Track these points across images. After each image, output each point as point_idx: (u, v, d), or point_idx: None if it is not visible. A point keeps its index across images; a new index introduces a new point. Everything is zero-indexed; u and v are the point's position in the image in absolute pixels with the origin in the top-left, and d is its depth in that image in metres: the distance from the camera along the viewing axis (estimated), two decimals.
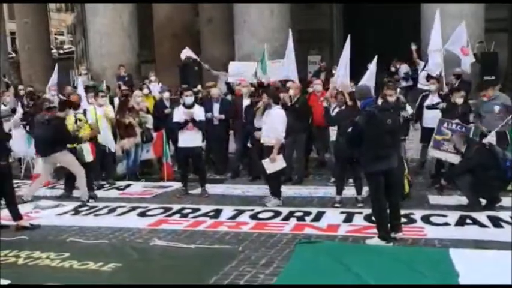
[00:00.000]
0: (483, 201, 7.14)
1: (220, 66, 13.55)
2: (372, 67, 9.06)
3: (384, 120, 5.78)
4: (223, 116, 9.87)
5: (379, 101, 7.56)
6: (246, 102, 9.68)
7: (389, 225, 5.89)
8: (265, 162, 7.55)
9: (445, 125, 8.24)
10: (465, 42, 10.24)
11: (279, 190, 7.79)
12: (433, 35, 9.99)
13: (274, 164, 7.56)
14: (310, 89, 10.04)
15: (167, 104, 10.35)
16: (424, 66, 11.08)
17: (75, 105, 8.69)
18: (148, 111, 10.34)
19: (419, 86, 10.89)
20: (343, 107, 8.00)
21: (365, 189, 7.43)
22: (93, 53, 16.39)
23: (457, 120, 8.20)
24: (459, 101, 8.45)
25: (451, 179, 7.51)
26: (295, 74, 10.55)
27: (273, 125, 7.61)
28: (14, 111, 10.72)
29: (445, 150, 8.17)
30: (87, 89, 10.65)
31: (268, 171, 7.62)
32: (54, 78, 12.86)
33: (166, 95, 10.56)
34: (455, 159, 7.87)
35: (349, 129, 6.05)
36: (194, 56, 13.02)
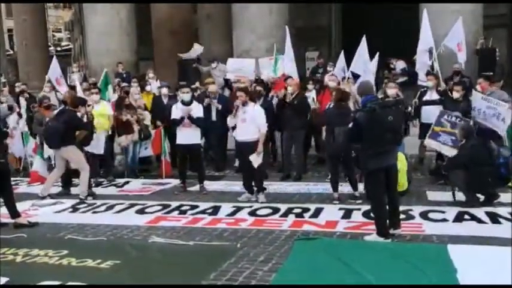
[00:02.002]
0: (481, 198, 7.15)
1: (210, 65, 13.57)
2: (373, 61, 9.17)
3: (385, 117, 5.76)
4: (220, 106, 9.86)
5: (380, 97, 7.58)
6: None
7: (387, 221, 5.90)
8: (253, 157, 7.57)
9: (445, 116, 8.24)
10: (461, 38, 10.27)
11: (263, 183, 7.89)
12: (422, 34, 10.04)
13: (259, 158, 7.60)
14: (309, 86, 10.02)
15: (165, 100, 10.31)
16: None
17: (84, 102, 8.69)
18: (146, 108, 10.34)
19: (419, 82, 10.93)
20: (331, 106, 8.01)
21: (360, 186, 7.49)
22: (91, 50, 16.34)
23: (457, 113, 8.20)
24: (456, 95, 8.47)
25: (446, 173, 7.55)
26: (294, 71, 10.56)
27: (255, 121, 7.65)
28: (11, 108, 10.69)
29: (441, 142, 8.17)
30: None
31: (255, 166, 7.62)
32: (55, 71, 12.63)
33: (164, 91, 10.52)
34: (450, 151, 7.89)
35: (350, 125, 6.04)
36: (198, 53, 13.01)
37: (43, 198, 8.23)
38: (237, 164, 10.06)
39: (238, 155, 8.53)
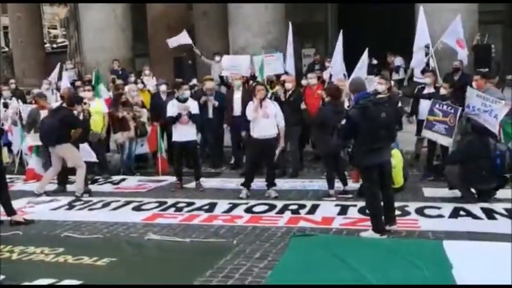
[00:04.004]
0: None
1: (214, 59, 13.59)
2: (364, 57, 9.16)
3: (378, 113, 5.77)
4: (216, 103, 9.84)
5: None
6: (237, 94, 9.70)
7: (383, 217, 5.91)
8: (278, 151, 7.99)
9: (437, 105, 8.28)
10: (461, 34, 10.27)
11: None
12: (418, 32, 10.05)
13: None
14: (303, 81, 10.02)
15: (163, 97, 10.26)
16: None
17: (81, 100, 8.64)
18: (143, 105, 10.31)
19: (415, 79, 10.94)
20: (322, 105, 8.03)
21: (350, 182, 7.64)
22: (86, 47, 16.28)
23: (447, 102, 8.23)
24: (442, 91, 8.51)
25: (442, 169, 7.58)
26: (292, 68, 10.56)
27: (276, 116, 7.82)
28: (6, 105, 10.66)
29: (436, 132, 8.22)
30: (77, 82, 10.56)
31: (275, 159, 8.00)
32: (55, 74, 12.74)
33: (163, 88, 10.47)
34: (445, 140, 7.94)
35: (343, 122, 6.05)
36: (189, 41, 13.01)
37: (39, 195, 8.22)
38: (233, 161, 10.08)
39: (252, 152, 8.07)
